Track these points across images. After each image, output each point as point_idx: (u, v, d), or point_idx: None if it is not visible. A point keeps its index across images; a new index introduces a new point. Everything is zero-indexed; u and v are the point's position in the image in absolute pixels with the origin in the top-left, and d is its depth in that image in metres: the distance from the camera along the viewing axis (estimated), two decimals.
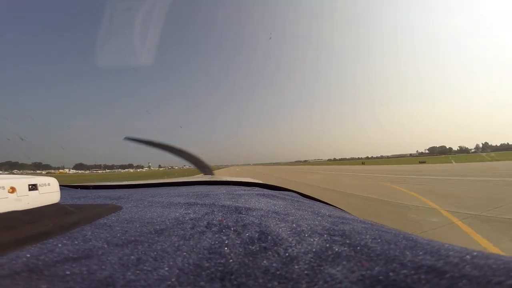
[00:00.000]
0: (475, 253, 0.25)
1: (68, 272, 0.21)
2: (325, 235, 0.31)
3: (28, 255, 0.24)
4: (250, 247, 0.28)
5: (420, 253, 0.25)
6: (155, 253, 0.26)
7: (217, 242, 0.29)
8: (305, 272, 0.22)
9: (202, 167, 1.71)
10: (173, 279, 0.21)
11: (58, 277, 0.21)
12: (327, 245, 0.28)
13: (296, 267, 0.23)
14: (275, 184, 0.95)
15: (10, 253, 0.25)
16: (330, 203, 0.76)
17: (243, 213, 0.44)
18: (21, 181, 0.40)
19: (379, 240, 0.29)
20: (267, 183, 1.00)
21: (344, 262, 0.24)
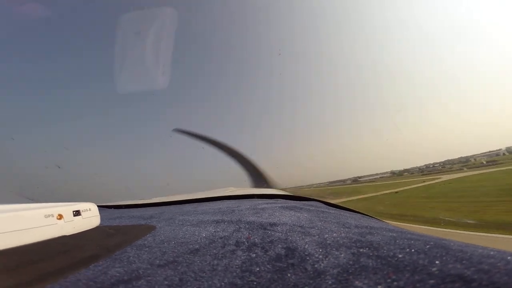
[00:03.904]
0: (510, 258, 0.24)
1: None
2: (353, 248, 0.32)
3: (87, 278, 0.27)
4: (278, 264, 0.29)
5: (450, 261, 0.25)
6: (194, 273, 0.28)
7: (247, 260, 0.31)
8: (333, 286, 0.23)
9: (259, 178, 1.49)
10: None
11: None
12: (354, 258, 0.28)
13: (323, 281, 0.24)
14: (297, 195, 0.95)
15: (71, 276, 0.27)
16: (356, 210, 0.74)
17: (268, 228, 0.45)
18: (66, 208, 0.45)
19: (408, 249, 0.29)
20: (288, 194, 1.00)
21: (371, 275, 0.24)
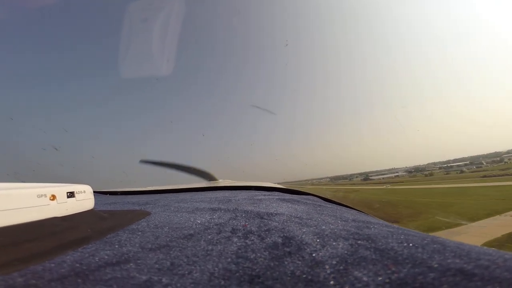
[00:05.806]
0: (507, 256, 0.24)
1: (110, 276, 0.23)
2: (350, 239, 0.31)
3: (73, 260, 0.26)
4: (275, 251, 0.28)
5: (449, 256, 0.25)
6: (187, 257, 0.27)
7: (243, 247, 0.30)
8: (332, 275, 0.22)
9: (206, 176, 1.60)
10: (206, 283, 0.21)
11: (102, 281, 0.22)
12: (352, 249, 0.28)
13: (322, 270, 0.23)
14: (295, 189, 0.95)
15: (56, 258, 0.27)
16: (353, 207, 0.75)
17: (266, 218, 0.45)
18: (60, 189, 0.44)
19: (406, 243, 0.29)
20: (286, 187, 1.00)
21: (371, 266, 0.24)
